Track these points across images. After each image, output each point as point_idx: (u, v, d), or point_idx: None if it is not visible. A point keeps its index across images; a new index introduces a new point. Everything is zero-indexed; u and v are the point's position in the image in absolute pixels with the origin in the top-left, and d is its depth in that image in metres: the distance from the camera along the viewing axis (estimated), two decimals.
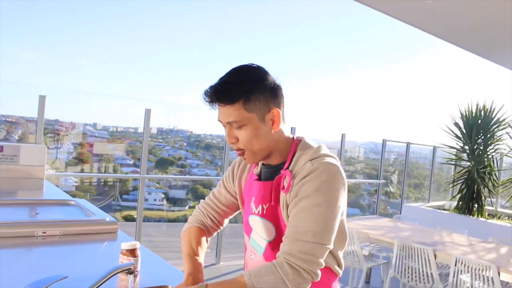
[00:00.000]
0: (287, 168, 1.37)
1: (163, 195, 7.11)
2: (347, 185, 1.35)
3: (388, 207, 9.30)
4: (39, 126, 4.25)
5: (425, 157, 9.84)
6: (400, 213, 7.90)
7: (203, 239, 1.58)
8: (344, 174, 1.34)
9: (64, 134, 5.41)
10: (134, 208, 5.14)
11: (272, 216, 1.39)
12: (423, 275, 4.05)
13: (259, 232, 1.44)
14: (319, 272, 1.26)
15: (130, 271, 1.30)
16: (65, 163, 5.55)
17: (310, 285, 1.26)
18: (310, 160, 1.32)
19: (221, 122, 1.37)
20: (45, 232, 2.05)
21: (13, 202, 2.68)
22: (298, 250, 1.23)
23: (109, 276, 1.23)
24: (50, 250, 1.95)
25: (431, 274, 4.01)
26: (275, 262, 1.25)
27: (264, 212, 1.40)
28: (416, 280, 4.09)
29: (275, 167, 1.42)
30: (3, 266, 1.65)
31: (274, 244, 1.38)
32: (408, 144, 8.41)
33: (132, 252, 1.59)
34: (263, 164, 1.47)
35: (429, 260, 4.00)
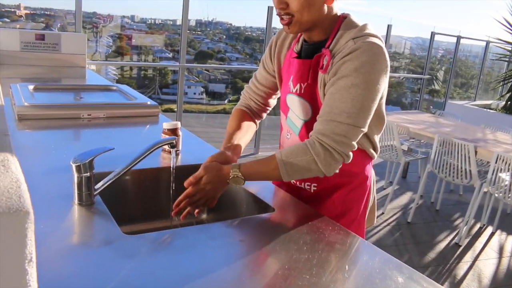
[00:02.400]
0: (328, 46, 1.31)
1: (202, 89, 7.14)
2: (389, 68, 1.28)
3: (431, 107, 9.06)
4: (77, 15, 4.23)
5: (475, 55, 9.35)
6: (444, 111, 7.71)
7: (245, 122, 1.57)
8: (387, 56, 1.27)
9: (103, 26, 5.39)
10: (174, 101, 5.20)
11: (310, 95, 1.37)
12: (462, 171, 4.00)
13: (296, 111, 1.43)
14: (350, 154, 1.25)
15: (173, 145, 1.34)
16: (105, 56, 5.59)
17: (340, 166, 1.26)
18: (353, 39, 1.25)
19: None
20: (90, 114, 2.14)
21: (58, 87, 2.78)
22: (331, 131, 1.21)
23: (153, 148, 1.27)
24: (95, 131, 2.03)
25: (470, 170, 3.95)
26: (307, 142, 1.24)
27: (302, 91, 1.38)
28: (453, 176, 4.06)
29: (316, 44, 1.36)
30: (53, 144, 1.76)
31: (310, 124, 1.35)
32: (458, 37, 7.90)
33: (173, 131, 1.67)
34: (304, 40, 1.41)
35: (469, 156, 3.92)
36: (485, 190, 3.92)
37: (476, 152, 3.97)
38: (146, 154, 1.26)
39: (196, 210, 1.35)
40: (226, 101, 7.14)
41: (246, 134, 1.54)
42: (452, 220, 4.48)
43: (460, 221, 4.42)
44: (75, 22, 4.25)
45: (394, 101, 9.05)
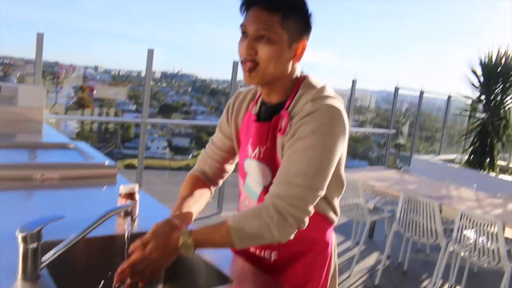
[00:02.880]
0: (287, 108, 1.29)
1: (166, 143, 7.02)
2: (348, 130, 1.26)
3: (398, 160, 9.17)
4: (37, 65, 4.11)
5: (438, 108, 9.59)
6: (409, 166, 7.77)
7: (198, 189, 1.48)
8: (346, 119, 1.25)
9: (64, 77, 5.29)
10: (136, 156, 5.08)
11: (269, 159, 1.33)
12: (427, 229, 3.97)
13: (254, 176, 1.38)
14: (306, 220, 1.20)
15: (128, 213, 1.30)
16: (65, 108, 5.47)
17: (295, 232, 1.20)
18: (312, 101, 1.25)
19: (245, 29, 1.26)
20: (43, 175, 2.05)
21: (12, 145, 2.66)
22: (287, 193, 1.17)
23: (105, 218, 1.22)
24: (48, 193, 1.95)
25: (435, 229, 3.92)
26: (261, 205, 1.20)
27: (261, 156, 1.34)
28: (419, 235, 4.02)
29: (275, 106, 1.34)
30: (1, 208, 1.66)
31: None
32: (421, 92, 8.11)
33: (130, 196, 1.60)
34: (263, 102, 1.38)
35: (434, 214, 3.90)
36: (451, 249, 3.87)
37: (441, 210, 3.96)
38: (98, 224, 1.20)
39: (140, 284, 1.22)
40: (190, 157, 7.03)
41: (197, 202, 1.45)
42: (420, 281, 4.39)
43: (428, 282, 4.33)
44: (34, 73, 4.13)
45: (361, 155, 9.13)
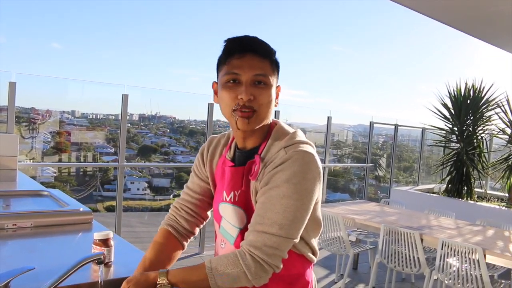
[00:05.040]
0: (260, 153, 1.31)
1: (146, 184, 6.98)
2: (322, 173, 1.28)
3: (379, 192, 9.23)
4: (9, 114, 4.09)
5: (415, 139, 9.76)
6: (389, 197, 7.83)
7: (165, 249, 1.46)
8: (319, 162, 1.27)
9: (41, 122, 5.25)
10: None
11: (244, 202, 1.33)
12: (410, 259, 3.98)
13: (230, 220, 1.38)
14: (281, 264, 1.22)
15: (100, 261, 1.27)
16: (42, 153, 5.40)
17: (270, 277, 1.22)
18: (284, 148, 1.27)
19: (236, 78, 1.26)
20: (15, 224, 2.01)
21: None
22: (263, 243, 1.19)
23: (77, 267, 1.19)
24: (20, 243, 1.90)
25: (418, 258, 3.94)
26: (238, 253, 1.20)
27: (236, 199, 1.34)
28: (403, 265, 4.02)
29: (250, 151, 1.35)
30: None
31: (246, 232, 1.30)
32: (396, 126, 8.31)
33: (104, 242, 1.58)
34: (238, 148, 1.39)
35: (415, 244, 3.93)
36: (436, 277, 3.87)
37: (422, 240, 3.99)
38: (69, 274, 1.17)
39: None
40: (171, 196, 6.98)
41: (166, 259, 1.43)
42: None
43: None
44: (7, 121, 4.10)
45: (342, 188, 9.17)
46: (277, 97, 1.34)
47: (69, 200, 2.42)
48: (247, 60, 1.26)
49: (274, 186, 1.21)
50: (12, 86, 4.11)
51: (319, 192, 1.29)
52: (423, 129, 9.16)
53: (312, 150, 1.28)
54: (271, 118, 1.36)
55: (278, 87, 1.34)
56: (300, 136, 1.32)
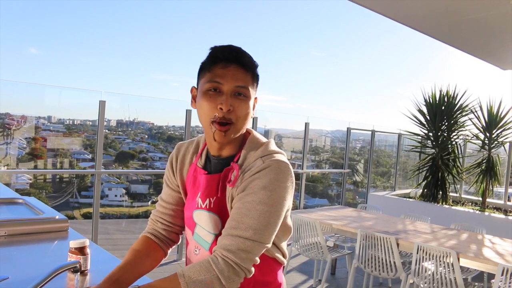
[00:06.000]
0: (237, 161, 1.34)
1: (124, 191, 6.92)
2: (294, 181, 1.33)
3: (357, 197, 9.33)
4: None
5: (392, 145, 9.91)
6: (366, 202, 7.92)
7: (143, 252, 1.46)
8: (292, 172, 1.32)
9: (15, 128, 5.16)
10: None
11: (219, 209, 1.35)
12: (386, 264, 4.04)
13: (205, 226, 1.39)
14: (252, 269, 1.24)
15: (76, 270, 1.27)
16: (17, 160, 5.31)
17: (242, 281, 1.24)
18: (261, 157, 1.31)
19: (217, 87, 1.27)
20: None
21: None
22: (237, 247, 1.21)
23: (52, 276, 1.18)
24: None
25: (394, 262, 4.00)
26: (211, 259, 1.21)
27: (212, 206, 1.36)
28: (379, 270, 4.08)
29: (226, 159, 1.37)
30: None
31: None
32: (373, 131, 8.43)
33: (81, 250, 1.57)
34: (213, 156, 1.40)
35: (391, 249, 3.99)
36: (411, 281, 3.93)
37: (398, 244, 4.05)
38: (44, 283, 1.15)
39: None
40: (149, 203, 6.92)
41: (138, 265, 1.42)
42: None
43: None
44: None
45: (320, 194, 9.23)
46: (253, 108, 1.37)
47: (44, 207, 2.38)
48: (231, 71, 1.28)
49: (250, 192, 1.25)
50: None
51: (291, 200, 1.33)
52: (400, 135, 9.32)
53: (285, 159, 1.33)
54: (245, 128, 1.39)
55: (255, 98, 1.37)
56: (273, 146, 1.37)
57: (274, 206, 1.24)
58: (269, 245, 1.26)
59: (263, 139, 1.40)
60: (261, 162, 1.29)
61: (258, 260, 1.25)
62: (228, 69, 1.28)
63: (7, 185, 3.59)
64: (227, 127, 1.28)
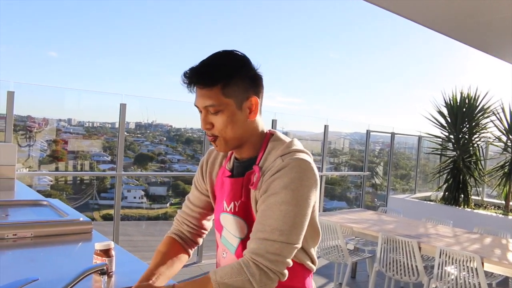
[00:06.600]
0: (258, 163, 1.33)
1: (143, 192, 6.97)
2: (318, 180, 1.30)
3: (376, 200, 9.24)
4: (8, 123, 4.08)
5: (411, 147, 9.79)
6: (386, 205, 7.84)
7: (172, 255, 1.48)
8: (316, 170, 1.29)
9: (37, 131, 5.23)
10: (113, 206, 5.00)
11: (244, 213, 1.35)
12: (408, 268, 3.98)
13: (231, 230, 1.40)
14: (286, 272, 1.23)
15: (103, 272, 1.28)
16: (38, 161, 5.39)
17: (276, 285, 1.23)
18: (281, 156, 1.29)
19: (197, 107, 1.33)
20: (15, 234, 2.00)
21: None
22: (265, 250, 1.20)
23: (80, 278, 1.20)
24: (21, 253, 1.90)
25: (416, 266, 3.94)
26: (242, 262, 1.21)
27: (236, 210, 1.36)
28: (401, 273, 4.02)
29: (247, 161, 1.38)
30: None
31: (247, 242, 1.31)
32: (392, 134, 8.34)
33: (106, 252, 1.58)
34: (235, 158, 1.42)
35: (413, 253, 3.93)
36: (434, 286, 3.87)
37: (420, 248, 3.99)
38: (73, 284, 1.18)
39: None
40: (168, 205, 6.95)
41: (170, 268, 1.44)
42: None
43: None
44: (5, 131, 4.09)
45: (339, 196, 9.17)
46: (253, 109, 1.33)
47: (68, 209, 2.42)
48: (198, 92, 1.30)
49: (272, 193, 1.23)
50: (11, 95, 4.11)
51: (316, 199, 1.30)
52: (420, 137, 9.20)
53: (308, 158, 1.30)
54: (259, 127, 1.37)
55: (251, 99, 1.32)
56: (297, 144, 1.34)
57: (298, 206, 1.22)
58: (299, 245, 1.24)
59: (286, 139, 1.38)
60: (280, 161, 1.27)
61: (290, 262, 1.23)
62: (196, 92, 1.30)
63: (29, 186, 3.65)
64: (215, 141, 1.33)
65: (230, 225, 1.39)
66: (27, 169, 4.90)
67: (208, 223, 1.60)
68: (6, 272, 1.62)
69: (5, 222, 2.15)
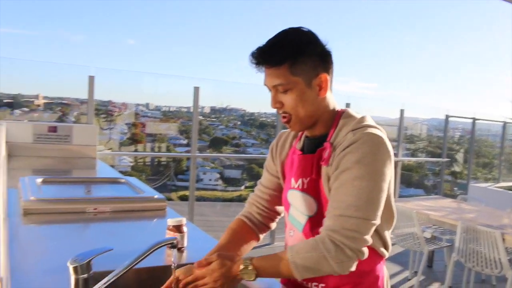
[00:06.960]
0: (330, 140, 1.30)
1: (218, 175, 7.13)
2: (393, 156, 1.25)
3: (455, 188, 8.83)
4: (89, 106, 4.32)
5: (495, 134, 9.23)
6: (467, 194, 7.46)
7: (238, 236, 1.50)
8: (390, 146, 1.24)
9: (117, 114, 5.50)
10: (189, 188, 5.17)
11: (314, 190, 1.32)
12: (490, 260, 3.76)
13: (298, 207, 1.37)
14: (365, 249, 1.19)
15: (174, 245, 1.30)
16: (119, 144, 5.66)
17: (355, 263, 1.19)
18: (352, 131, 1.26)
19: (267, 86, 1.33)
20: (96, 209, 2.12)
21: (67, 180, 2.83)
22: (341, 226, 1.16)
23: (152, 250, 1.23)
24: (100, 226, 2.02)
25: (499, 259, 3.71)
26: (318, 238, 1.19)
27: (305, 186, 1.34)
28: (482, 265, 3.81)
29: (318, 138, 1.35)
30: (56, 240, 1.74)
31: (315, 220, 1.31)
32: (474, 120, 7.87)
33: (178, 228, 1.64)
34: (306, 136, 1.40)
35: (496, 244, 3.70)
36: None
37: (504, 240, 3.75)
38: (145, 256, 1.21)
39: None
40: (242, 187, 7.07)
41: (236, 246, 1.45)
42: None
43: None
44: (87, 113, 4.33)
45: (416, 184, 8.87)
46: (324, 86, 1.30)
47: (144, 187, 2.52)
48: (266, 71, 1.30)
49: (345, 169, 1.20)
50: (91, 80, 4.33)
51: (391, 175, 1.25)
52: (505, 123, 8.61)
53: (381, 133, 1.25)
54: (330, 104, 1.34)
55: (320, 76, 1.29)
56: (369, 120, 1.30)
57: (372, 180, 1.18)
58: (377, 222, 1.20)
59: (357, 115, 1.34)
60: (351, 135, 1.24)
61: (369, 240, 1.19)
62: (265, 71, 1.30)
63: (112, 167, 3.85)
64: (287, 119, 1.32)
65: (297, 202, 1.37)
66: (109, 150, 5.16)
67: (281, 208, 1.58)
68: (87, 242, 1.74)
69: (87, 197, 2.33)
